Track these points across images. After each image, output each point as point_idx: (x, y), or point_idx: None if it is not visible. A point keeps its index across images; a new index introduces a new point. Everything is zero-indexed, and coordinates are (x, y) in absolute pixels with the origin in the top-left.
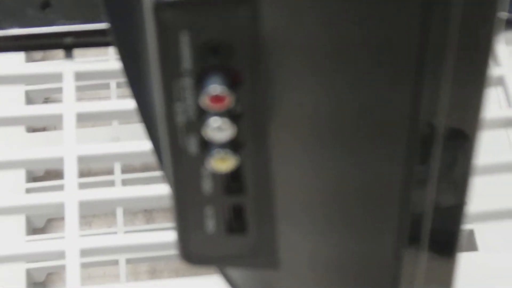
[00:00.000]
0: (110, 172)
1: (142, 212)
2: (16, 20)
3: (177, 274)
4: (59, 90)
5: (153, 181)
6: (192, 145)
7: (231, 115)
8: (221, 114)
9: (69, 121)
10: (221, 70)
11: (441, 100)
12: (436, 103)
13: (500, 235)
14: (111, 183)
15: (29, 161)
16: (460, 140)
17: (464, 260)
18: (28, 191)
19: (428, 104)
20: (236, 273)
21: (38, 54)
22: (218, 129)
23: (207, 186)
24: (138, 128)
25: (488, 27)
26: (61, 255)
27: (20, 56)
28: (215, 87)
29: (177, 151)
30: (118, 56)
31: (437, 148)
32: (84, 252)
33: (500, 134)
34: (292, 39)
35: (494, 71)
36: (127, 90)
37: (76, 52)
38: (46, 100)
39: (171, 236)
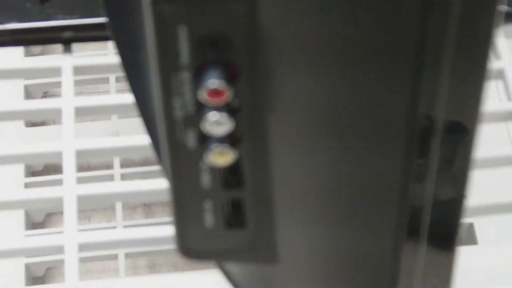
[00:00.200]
0: (110, 166)
1: (141, 206)
2: (15, 15)
3: (176, 268)
4: (58, 84)
5: (152, 175)
6: (190, 140)
7: (229, 109)
8: (219, 108)
9: (68, 116)
10: (219, 64)
11: (440, 93)
12: (435, 96)
13: (499, 229)
14: (110, 178)
15: (28, 155)
16: (460, 134)
17: (464, 254)
18: (27, 185)
19: (427, 98)
20: (234, 267)
21: (37, 48)
22: (217, 123)
23: (205, 180)
24: (137, 122)
25: (488, 20)
26: (60, 249)
27: (19, 50)
28: (213, 81)
29: (175, 146)
30: (116, 51)
31: (436, 141)
32: (83, 247)
33: (500, 128)
34: (290, 33)
35: (494, 64)
36: (126, 84)
37: (75, 46)
38: (45, 95)
39: (170, 230)
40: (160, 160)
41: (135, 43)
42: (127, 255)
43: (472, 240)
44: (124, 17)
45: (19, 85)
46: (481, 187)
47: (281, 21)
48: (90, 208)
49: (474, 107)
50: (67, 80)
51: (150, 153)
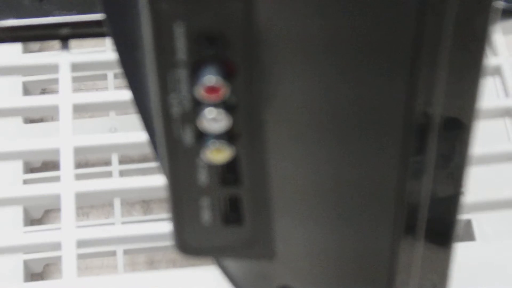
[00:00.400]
0: (108, 163)
1: (139, 203)
2: (13, 11)
3: (174, 264)
4: (56, 81)
5: (150, 172)
6: (187, 136)
7: (226, 106)
8: (216, 105)
9: (66, 112)
10: (216, 61)
11: (437, 90)
12: (432, 93)
13: (497, 225)
14: (109, 174)
15: (25, 152)
16: (457, 130)
17: (462, 250)
18: (26, 182)
19: (424, 94)
20: (232, 264)
21: (35, 45)
22: (213, 120)
23: (202, 177)
24: (135, 119)
25: (484, 16)
26: (58, 246)
27: (17, 47)
28: (210, 78)
29: (172, 143)
30: (114, 47)
31: (434, 138)
32: (82, 243)
33: (497, 124)
34: (287, 29)
35: (491, 60)
36: (124, 81)
37: (73, 43)
38: (44, 91)
39: (168, 226)
40: (157, 157)
41: (132, 39)
42: (126, 252)
43: (470, 236)
44: (122, 14)
45: (17, 81)
46: (478, 184)
47: (278, 17)
48: (88, 205)
49: (471, 103)
50: (65, 76)
51: (148, 150)
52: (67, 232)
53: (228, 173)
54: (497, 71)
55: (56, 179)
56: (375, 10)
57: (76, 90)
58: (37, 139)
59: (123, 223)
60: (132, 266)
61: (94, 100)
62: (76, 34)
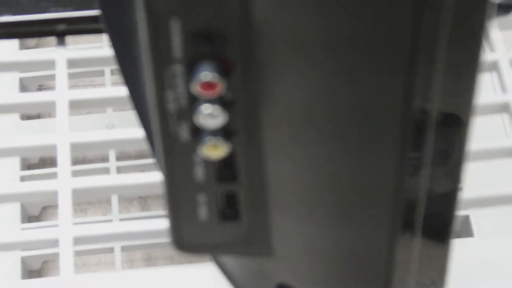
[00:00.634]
0: (105, 159)
1: (137, 199)
2: (9, 7)
3: (172, 261)
4: (53, 77)
5: (148, 168)
6: (183, 133)
7: (223, 102)
8: (212, 101)
9: (63, 109)
10: (212, 57)
11: (435, 86)
12: (430, 89)
13: (495, 221)
14: (106, 171)
15: (23, 148)
16: (454, 126)
17: (460, 246)
18: (23, 178)
19: (421, 90)
20: (230, 261)
21: (31, 41)
22: (210, 116)
23: (199, 173)
24: (133, 115)
25: (481, 12)
26: (55, 243)
27: (13, 43)
28: (206, 74)
29: (169, 139)
30: (110, 43)
31: (431, 134)
32: (79, 240)
33: (494, 120)
34: (284, 26)
35: (488, 56)
36: (120, 77)
37: (69, 39)
38: (40, 87)
39: (166, 223)
40: (154, 153)
41: (128, 36)
42: (123, 248)
43: (468, 232)
44: (118, 10)
45: (13, 78)
46: (476, 180)
47: (275, 14)
48: (85, 201)
49: (469, 100)
50: (61, 73)
51: (146, 146)
52: (64, 229)
53: (224, 169)
54: (494, 66)
55: (53, 175)
56: (373, 8)
57: (73, 86)
58: (34, 135)
59: (121, 219)
60: (130, 263)
61: (91, 96)
62: (72, 30)
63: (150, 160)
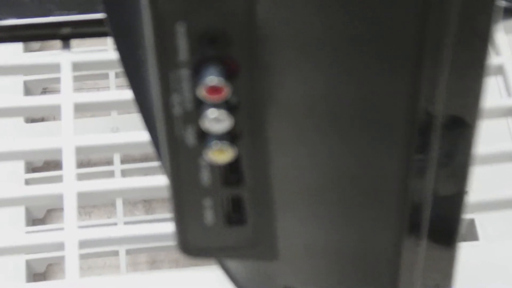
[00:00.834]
0: (110, 162)
1: (141, 203)
2: (13, 11)
3: (177, 264)
4: (57, 80)
5: (152, 172)
6: (189, 137)
7: (229, 106)
8: (218, 105)
9: (67, 112)
10: (218, 61)
11: (440, 88)
12: (435, 91)
13: (500, 225)
14: (111, 174)
15: (27, 152)
16: (460, 129)
17: (465, 250)
18: (27, 182)
19: (427, 92)
20: (234, 264)
21: (35, 44)
22: (216, 120)
23: (205, 177)
24: (137, 118)
25: (487, 15)
26: (60, 246)
27: (18, 46)
28: (212, 78)
29: (174, 143)
30: (115, 47)
31: (437, 136)
32: (84, 243)
33: (500, 123)
34: (289, 29)
35: (494, 60)
36: (125, 80)
37: (74, 42)
38: (45, 91)
39: (171, 226)
40: (159, 156)
41: (133, 39)
42: (128, 252)
43: (473, 236)
44: (123, 14)
45: (18, 81)
46: (481, 183)
47: (280, 17)
48: (90, 205)
49: (474, 102)
50: (66, 76)
51: (150, 149)
52: (69, 232)
53: (230, 173)
54: (500, 70)
55: (58, 179)
56: (379, 8)
57: (77, 89)
58: (38, 139)
59: (125, 223)
60: (134, 266)
61: (96, 99)
62: (77, 34)
63: (155, 164)
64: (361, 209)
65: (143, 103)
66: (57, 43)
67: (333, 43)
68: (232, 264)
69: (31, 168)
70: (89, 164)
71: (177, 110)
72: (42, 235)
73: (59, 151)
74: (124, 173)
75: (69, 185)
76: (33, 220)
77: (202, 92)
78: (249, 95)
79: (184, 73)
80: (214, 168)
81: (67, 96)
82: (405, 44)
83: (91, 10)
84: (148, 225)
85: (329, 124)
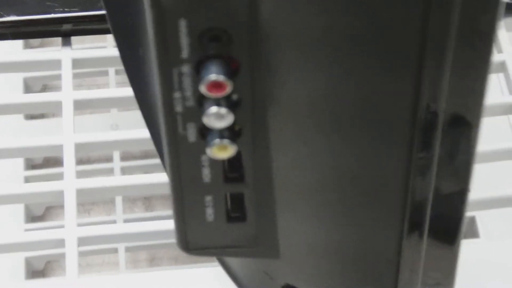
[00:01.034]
0: (109, 159)
1: (141, 200)
2: (14, 7)
3: (176, 262)
4: (58, 77)
5: (152, 169)
6: (191, 133)
7: (230, 102)
8: (220, 102)
9: (67, 109)
10: (220, 58)
11: (443, 86)
12: (438, 90)
13: (502, 223)
14: (110, 171)
15: (26, 149)
16: (462, 127)
17: (466, 247)
18: (27, 179)
19: (429, 91)
20: (235, 262)
21: (36, 41)
22: (217, 117)
23: (206, 174)
24: (137, 115)
25: (490, 12)
26: (59, 243)
27: (18, 43)
28: (214, 75)
29: (176, 139)
30: (116, 44)
31: (439, 134)
32: (83, 241)
33: (502, 121)
34: (291, 26)
35: (496, 57)
36: (126, 77)
37: (74, 39)
38: (45, 88)
39: (170, 224)
40: (160, 154)
41: (135, 37)
42: (127, 249)
43: (474, 234)
44: (124, 11)
45: (18, 78)
46: (483, 181)
47: (282, 16)
48: (90, 202)
49: (477, 100)
50: (66, 73)
51: (151, 147)
52: (68, 230)
53: (231, 170)
54: (501, 67)
55: (58, 176)
56: (381, 5)
57: (77, 86)
58: (38, 136)
59: (125, 220)
60: (134, 264)
61: (96, 96)
62: (77, 31)
63: (154, 161)
64: (362, 208)
65: (144, 100)
66: (58, 40)
67: (334, 42)
68: (232, 261)
69: (30, 165)
70: (88, 161)
71: (179, 107)
72: (41, 233)
73: (59, 148)
74: (124, 171)
75: (68, 182)
76: (32, 217)
77: (204, 89)
78: (251, 91)
79: (186, 70)
80: (215, 165)
81: (67, 93)
82: (408, 43)
83: (92, 7)
84: (147, 222)
85: (331, 123)
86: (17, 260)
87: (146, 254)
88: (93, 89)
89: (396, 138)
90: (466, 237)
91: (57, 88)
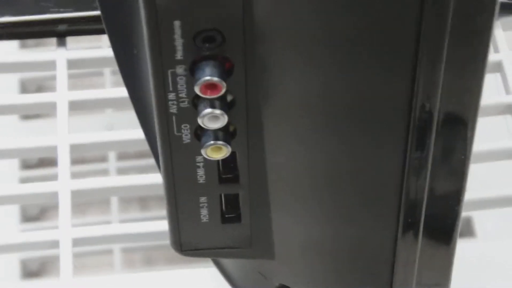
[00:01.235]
0: (104, 160)
1: (137, 200)
2: (9, 8)
3: (172, 263)
4: (53, 78)
5: (148, 169)
6: (185, 134)
7: (225, 103)
8: (214, 103)
9: (62, 109)
10: (214, 59)
11: (438, 86)
12: (433, 89)
13: (498, 223)
14: (106, 172)
15: (22, 150)
16: (458, 126)
17: (462, 247)
18: (21, 179)
19: (424, 90)
20: (230, 263)
21: (31, 42)
22: (212, 117)
23: (200, 175)
24: (133, 116)
25: (487, 11)
26: (54, 244)
27: (13, 44)
28: (209, 76)
29: (170, 140)
30: (111, 45)
31: (434, 134)
32: (78, 242)
33: (498, 121)
34: (284, 26)
35: (492, 57)
36: (121, 78)
37: (70, 39)
38: (40, 88)
39: (166, 224)
40: (154, 154)
41: (129, 37)
42: (123, 250)
43: (470, 233)
44: (119, 11)
45: (13, 78)
46: (479, 181)
47: (276, 14)
48: (85, 203)
49: (472, 100)
50: (61, 73)
51: (146, 147)
52: (63, 231)
53: (226, 170)
54: (498, 67)
55: (53, 176)
56: (375, 5)
57: (72, 87)
58: (33, 136)
59: (120, 221)
60: (129, 265)
61: (91, 97)
62: (72, 31)
63: (150, 161)
64: (357, 208)
65: (138, 101)
66: (53, 40)
67: (328, 41)
68: (227, 262)
69: (25, 165)
70: (83, 162)
71: (173, 108)
72: (36, 234)
73: (53, 149)
74: (119, 171)
75: (63, 183)
76: (27, 218)
77: (198, 90)
78: (245, 92)
79: (181, 71)
80: (209, 165)
81: (62, 94)
82: (403, 41)
83: (87, 8)
84: (143, 223)
85: (325, 123)
86: (12, 261)
87: (141, 255)
88: (89, 89)
89: (391, 138)
90: (462, 236)
91: (53, 88)
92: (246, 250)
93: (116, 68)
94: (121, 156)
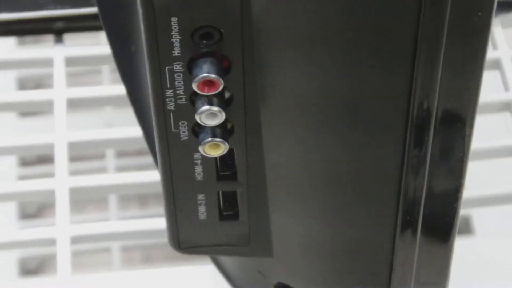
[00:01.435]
0: (103, 157)
1: (135, 198)
2: (6, 5)
3: (171, 261)
4: (50, 75)
5: (146, 167)
6: (183, 132)
7: (222, 100)
8: (212, 100)
9: (60, 107)
10: (211, 56)
11: (436, 84)
12: (431, 87)
13: (497, 221)
14: (104, 169)
15: (20, 147)
16: (456, 124)
17: (461, 245)
18: (19, 176)
19: (422, 88)
20: (228, 261)
21: (29, 39)
22: (209, 114)
23: (198, 172)
24: (131, 114)
25: (485, 9)
26: (52, 242)
27: (10, 41)
28: (206, 72)
29: (168, 138)
30: (108, 42)
31: (433, 132)
32: (76, 240)
33: (497, 118)
34: (282, 23)
35: (491, 54)
36: (119, 75)
37: (67, 36)
38: (38, 86)
39: (164, 223)
40: (152, 152)
41: (127, 34)
42: (122, 248)
43: (469, 231)
44: (116, 9)
45: (10, 76)
46: (478, 179)
47: (274, 11)
48: (83, 200)
49: (471, 98)
50: (59, 71)
51: (144, 145)
52: (61, 228)
53: (224, 168)
54: (496, 65)
55: (51, 174)
56: (373, 4)
57: (70, 84)
58: (31, 134)
59: (119, 219)
60: (128, 263)
61: (89, 94)
62: (70, 28)
63: (148, 159)
64: (355, 206)
65: (136, 98)
66: (51, 37)
67: (326, 39)
68: (226, 260)
69: (23, 162)
70: (82, 159)
71: (171, 105)
72: (34, 231)
73: (51, 146)
74: (118, 169)
75: (61, 181)
76: (25, 216)
77: (196, 87)
78: (243, 89)
79: (178, 68)
80: (207, 163)
81: (60, 91)
82: (401, 40)
83: (84, 5)
84: (142, 221)
85: (324, 121)
86: (10, 259)
87: (140, 253)
88: (87, 87)
89: (389, 136)
90: (461, 235)
91: (51, 86)
92: (244, 248)
93: (114, 65)
94: (120, 154)
